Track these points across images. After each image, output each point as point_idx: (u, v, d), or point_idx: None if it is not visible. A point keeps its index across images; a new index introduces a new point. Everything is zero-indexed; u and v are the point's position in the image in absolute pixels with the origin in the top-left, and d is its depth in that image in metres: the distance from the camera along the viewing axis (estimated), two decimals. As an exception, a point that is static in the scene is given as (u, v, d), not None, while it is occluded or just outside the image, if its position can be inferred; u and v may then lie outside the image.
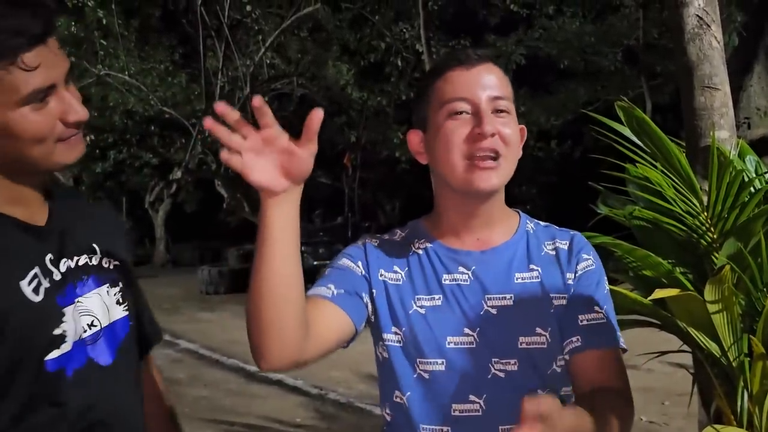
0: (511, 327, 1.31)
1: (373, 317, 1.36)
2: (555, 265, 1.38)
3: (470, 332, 1.31)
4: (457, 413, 1.30)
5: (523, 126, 1.41)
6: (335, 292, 1.30)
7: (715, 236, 2.46)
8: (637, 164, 2.58)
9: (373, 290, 1.36)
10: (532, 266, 1.37)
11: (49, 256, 1.24)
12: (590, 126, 2.85)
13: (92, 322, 1.28)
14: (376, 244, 1.42)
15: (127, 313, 1.36)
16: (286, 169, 1.09)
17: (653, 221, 2.55)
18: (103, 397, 1.28)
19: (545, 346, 1.31)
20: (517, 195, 18.95)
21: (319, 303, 1.27)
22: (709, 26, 2.74)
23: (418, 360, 1.32)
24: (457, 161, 1.31)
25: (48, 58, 1.16)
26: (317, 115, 1.08)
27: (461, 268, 1.36)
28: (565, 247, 1.39)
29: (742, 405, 2.38)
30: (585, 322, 1.32)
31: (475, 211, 1.37)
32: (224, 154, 1.05)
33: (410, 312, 1.34)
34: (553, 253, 1.39)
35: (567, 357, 1.32)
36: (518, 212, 1.46)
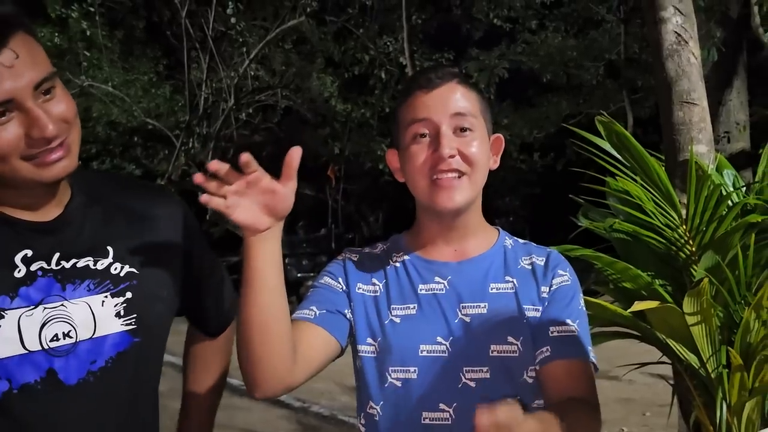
0: (483, 335, 1.33)
1: (354, 330, 1.39)
2: (531, 279, 1.40)
3: (443, 341, 1.34)
4: (427, 421, 1.32)
5: (500, 135, 1.44)
6: (317, 313, 1.35)
7: (693, 249, 2.50)
8: (617, 178, 2.61)
9: (352, 304, 1.39)
10: (507, 277, 1.40)
11: (25, 252, 1.16)
12: (571, 140, 2.88)
13: (69, 332, 1.16)
14: (355, 258, 1.45)
15: (128, 328, 1.23)
16: (269, 207, 1.14)
17: (633, 234, 2.58)
18: (61, 419, 1.16)
19: (516, 354, 1.33)
20: (500, 206, 19.00)
21: (302, 326, 1.32)
22: (687, 42, 2.78)
23: (390, 369, 1.35)
24: (421, 182, 1.35)
25: None
26: (296, 154, 1.13)
27: (437, 278, 1.39)
28: (542, 263, 1.42)
29: (720, 416, 2.40)
30: (555, 334, 1.34)
31: (450, 224, 1.40)
32: (204, 197, 1.09)
33: (386, 322, 1.37)
34: (530, 267, 1.42)
35: (537, 367, 1.33)
36: (498, 229, 1.49)
